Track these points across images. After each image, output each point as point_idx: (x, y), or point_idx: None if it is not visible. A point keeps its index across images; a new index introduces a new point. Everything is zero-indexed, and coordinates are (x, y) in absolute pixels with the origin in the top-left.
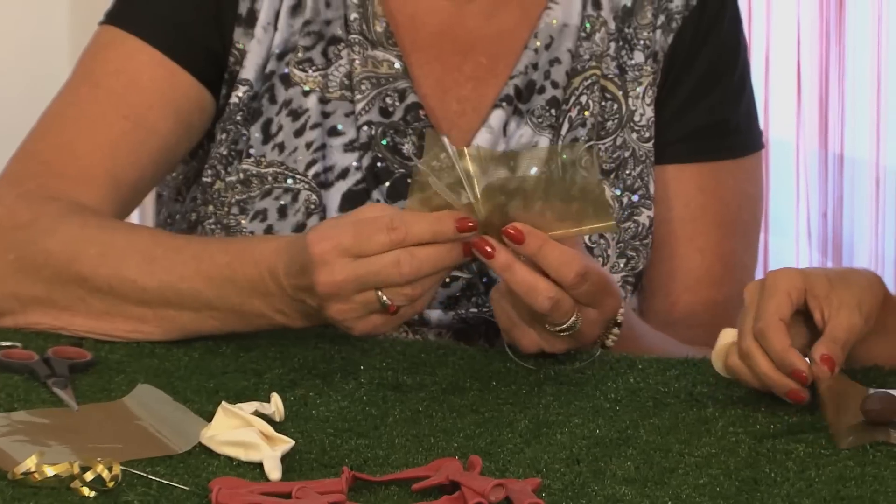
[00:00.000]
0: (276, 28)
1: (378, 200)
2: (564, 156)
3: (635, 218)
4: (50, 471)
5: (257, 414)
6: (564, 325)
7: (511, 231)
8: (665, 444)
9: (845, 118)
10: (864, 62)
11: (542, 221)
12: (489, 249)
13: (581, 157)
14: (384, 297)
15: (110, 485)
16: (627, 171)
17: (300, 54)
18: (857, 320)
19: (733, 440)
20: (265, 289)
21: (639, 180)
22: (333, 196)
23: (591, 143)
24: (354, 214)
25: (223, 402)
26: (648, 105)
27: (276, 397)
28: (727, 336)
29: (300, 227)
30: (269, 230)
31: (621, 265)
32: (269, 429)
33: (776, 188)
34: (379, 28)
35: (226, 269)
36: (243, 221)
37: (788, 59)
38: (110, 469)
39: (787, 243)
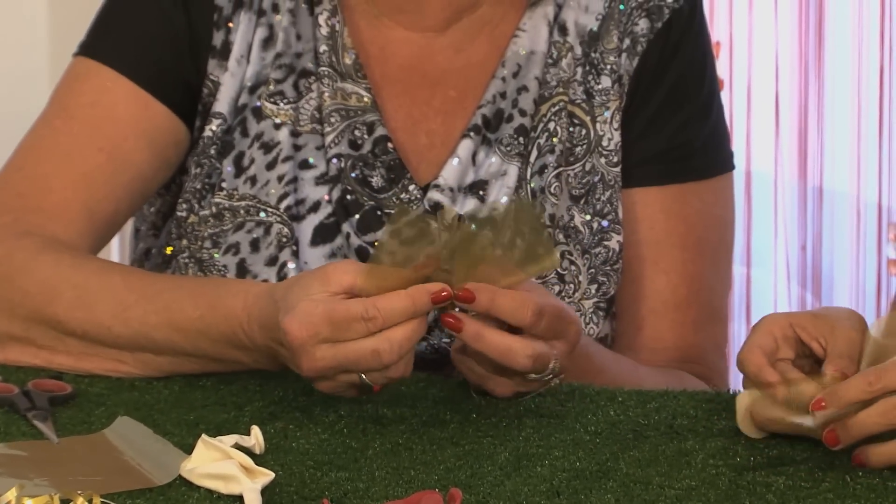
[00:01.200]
0: (248, 61)
1: (349, 234)
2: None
3: (605, 243)
4: None
5: (237, 447)
6: (547, 372)
7: (461, 294)
8: (645, 477)
9: (824, 150)
10: (844, 94)
11: (492, 274)
12: (455, 322)
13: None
14: (366, 380)
15: None
16: (597, 197)
17: (272, 87)
18: (854, 335)
19: (713, 473)
20: (239, 342)
21: (608, 205)
22: (305, 229)
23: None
24: (324, 282)
25: (203, 435)
26: (616, 129)
27: (256, 430)
28: (744, 399)
29: (273, 260)
30: (241, 263)
31: (592, 291)
32: (249, 461)
33: (756, 220)
34: (348, 60)
35: (198, 322)
36: (216, 255)
37: (767, 91)
38: (90, 502)
39: (767, 275)
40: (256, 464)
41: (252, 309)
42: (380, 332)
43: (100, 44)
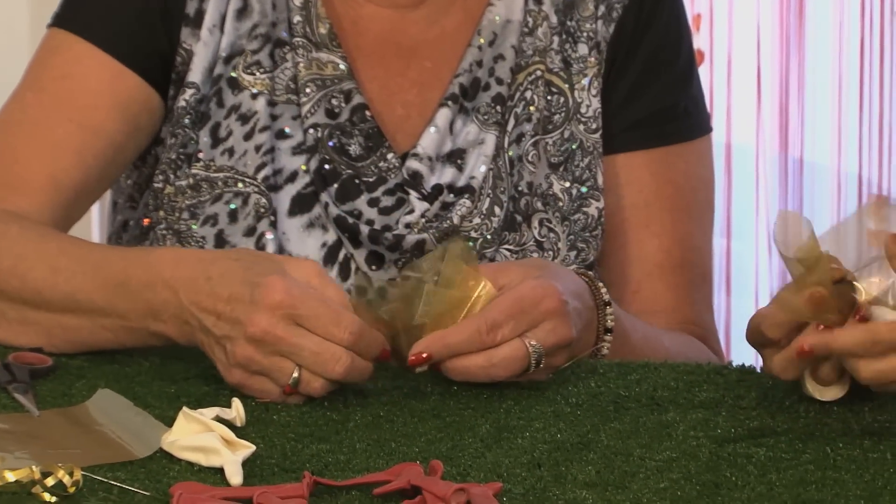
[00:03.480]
0: (222, 31)
1: (327, 203)
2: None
3: (584, 210)
4: (11, 476)
5: (218, 419)
6: (533, 365)
7: (415, 360)
8: (626, 449)
9: (805, 123)
10: (825, 67)
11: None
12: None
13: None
14: (296, 376)
15: (71, 490)
16: (575, 164)
17: (248, 58)
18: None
19: (694, 444)
20: (153, 290)
21: (587, 171)
22: (283, 199)
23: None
24: (307, 276)
25: (184, 408)
26: (594, 96)
27: (237, 402)
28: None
29: (251, 231)
30: (219, 234)
31: (572, 257)
32: (230, 434)
33: (736, 192)
34: (322, 30)
35: (120, 274)
36: (194, 226)
37: (748, 64)
38: (71, 474)
39: (748, 247)
40: (237, 436)
41: (186, 258)
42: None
43: (72, 14)
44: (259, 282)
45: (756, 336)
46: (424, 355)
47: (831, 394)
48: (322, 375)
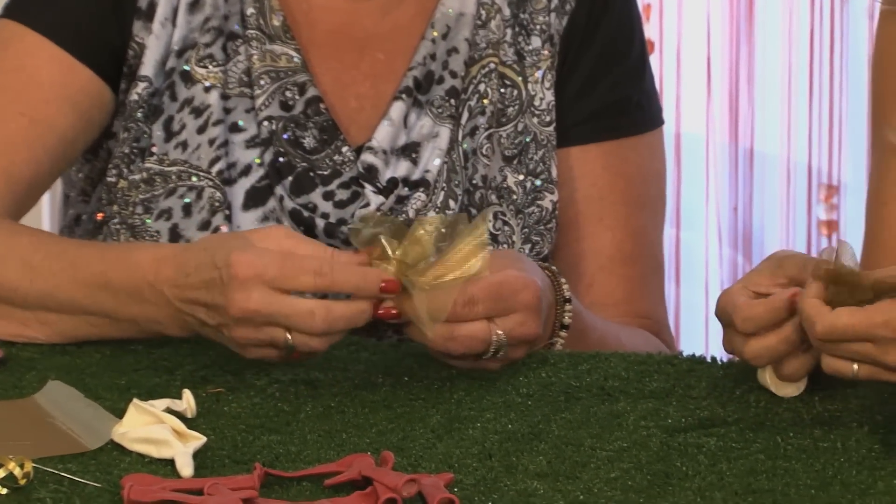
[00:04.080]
0: (174, 24)
1: (282, 196)
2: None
3: (538, 202)
4: None
5: (169, 411)
6: (491, 352)
7: (383, 313)
8: (577, 439)
9: (755, 113)
10: (774, 57)
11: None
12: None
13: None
14: (290, 341)
15: (22, 482)
16: (529, 156)
17: (201, 51)
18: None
19: (645, 434)
20: (140, 296)
21: (541, 164)
22: (237, 192)
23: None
24: (277, 241)
25: (135, 399)
26: (548, 89)
27: (187, 394)
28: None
29: (205, 225)
30: (174, 229)
31: (526, 250)
32: (180, 425)
33: (686, 182)
34: (276, 22)
35: (101, 277)
36: (148, 221)
37: (698, 54)
38: (22, 466)
39: (698, 238)
40: (188, 428)
41: (165, 257)
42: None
43: (24, 6)
44: (224, 262)
45: (724, 316)
46: (394, 312)
47: (789, 391)
48: (307, 332)
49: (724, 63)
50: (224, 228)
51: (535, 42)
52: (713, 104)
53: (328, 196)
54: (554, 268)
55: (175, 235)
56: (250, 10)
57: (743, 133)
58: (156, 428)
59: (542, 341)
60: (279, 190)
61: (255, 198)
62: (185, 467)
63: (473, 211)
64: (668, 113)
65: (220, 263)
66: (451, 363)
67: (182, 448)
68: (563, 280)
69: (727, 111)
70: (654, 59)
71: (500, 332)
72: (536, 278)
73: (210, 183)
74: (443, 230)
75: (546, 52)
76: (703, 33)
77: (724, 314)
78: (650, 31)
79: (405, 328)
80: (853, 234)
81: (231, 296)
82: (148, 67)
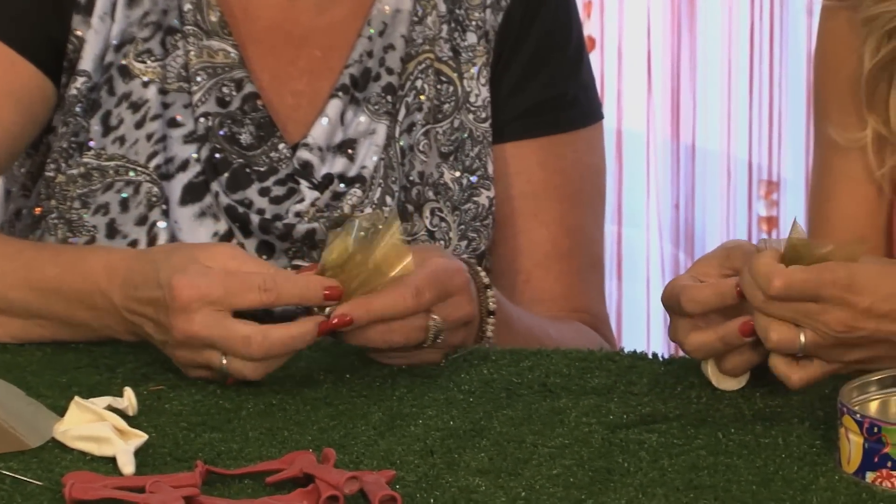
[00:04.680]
0: (113, 19)
1: (217, 192)
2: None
3: (475, 199)
4: None
5: (110, 408)
6: (430, 338)
7: (339, 322)
8: (518, 435)
9: (696, 110)
10: (715, 53)
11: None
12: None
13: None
14: (225, 367)
15: None
16: (466, 153)
17: (139, 46)
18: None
19: (586, 430)
20: (92, 303)
21: (477, 161)
22: (175, 188)
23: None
24: (223, 262)
25: (76, 397)
26: (484, 85)
27: (128, 391)
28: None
29: (142, 220)
30: (111, 224)
31: (463, 247)
32: (122, 423)
33: (628, 179)
34: (213, 18)
35: (54, 281)
36: (85, 215)
37: (639, 50)
38: None
39: (639, 234)
40: (129, 425)
41: (117, 267)
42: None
43: None
44: (167, 283)
45: (671, 301)
46: (348, 318)
47: (730, 385)
48: (244, 358)
49: (665, 60)
50: (161, 224)
51: (471, 38)
52: (654, 101)
53: (264, 192)
54: (470, 259)
55: (112, 230)
56: (188, 6)
57: (684, 130)
58: (97, 426)
59: (475, 328)
60: (215, 186)
61: (191, 193)
62: (127, 465)
63: (410, 207)
64: (609, 110)
65: (163, 283)
66: (394, 362)
67: (123, 446)
68: (479, 268)
69: (668, 108)
70: (595, 57)
71: (435, 317)
72: (459, 262)
73: (147, 178)
74: (362, 233)
75: (481, 49)
76: (643, 30)
77: (670, 300)
78: (591, 28)
79: (344, 335)
80: None
81: (173, 320)
82: (87, 62)
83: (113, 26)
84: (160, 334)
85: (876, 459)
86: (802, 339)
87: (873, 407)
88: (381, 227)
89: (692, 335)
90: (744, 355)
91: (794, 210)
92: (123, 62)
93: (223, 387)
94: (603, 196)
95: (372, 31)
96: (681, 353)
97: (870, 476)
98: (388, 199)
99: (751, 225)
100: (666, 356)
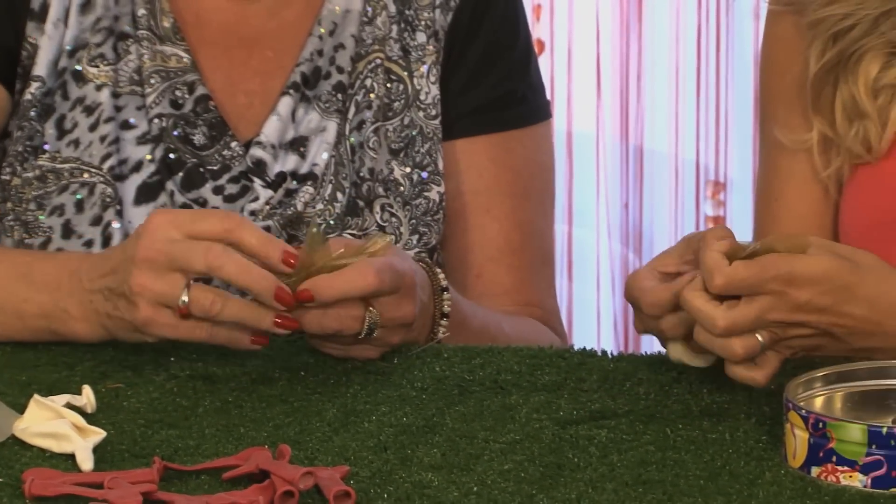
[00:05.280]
0: (66, 25)
1: (173, 191)
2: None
3: (425, 194)
4: None
5: (69, 406)
6: (365, 330)
7: (302, 294)
8: (470, 431)
9: (644, 111)
10: (663, 56)
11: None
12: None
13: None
14: (184, 296)
15: None
16: (416, 149)
17: (92, 51)
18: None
19: (537, 426)
20: (57, 285)
21: (427, 157)
22: (129, 188)
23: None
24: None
25: (35, 395)
26: (433, 84)
27: (87, 389)
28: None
29: (97, 220)
30: (66, 224)
31: (414, 241)
32: (80, 420)
33: (577, 180)
34: (167, 23)
35: (23, 267)
36: (41, 217)
37: (588, 53)
38: None
39: (589, 234)
40: (88, 423)
41: (92, 255)
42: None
43: None
44: (137, 230)
45: (631, 298)
46: (308, 293)
47: (700, 361)
48: (207, 272)
49: (614, 62)
50: (115, 224)
51: (421, 38)
52: (603, 103)
53: (218, 190)
54: (428, 259)
55: (68, 231)
56: (141, 11)
57: (633, 131)
58: (56, 423)
59: (422, 330)
60: (170, 185)
61: (146, 193)
62: (86, 461)
63: (361, 203)
64: (559, 111)
65: (132, 235)
66: (328, 350)
67: (82, 443)
68: (438, 270)
69: (617, 110)
70: (545, 59)
71: (372, 310)
72: (410, 263)
73: (101, 179)
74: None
75: (431, 48)
76: (592, 34)
77: (631, 297)
78: (541, 31)
79: (308, 340)
80: (739, 230)
81: (141, 240)
82: (41, 67)
83: (66, 32)
84: (120, 285)
85: (821, 454)
86: (760, 339)
87: (818, 403)
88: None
89: (666, 317)
90: None
91: (740, 210)
92: (77, 67)
93: (180, 385)
94: (552, 193)
95: (322, 30)
96: (630, 350)
97: (815, 471)
98: (339, 196)
99: (698, 225)
100: (615, 353)
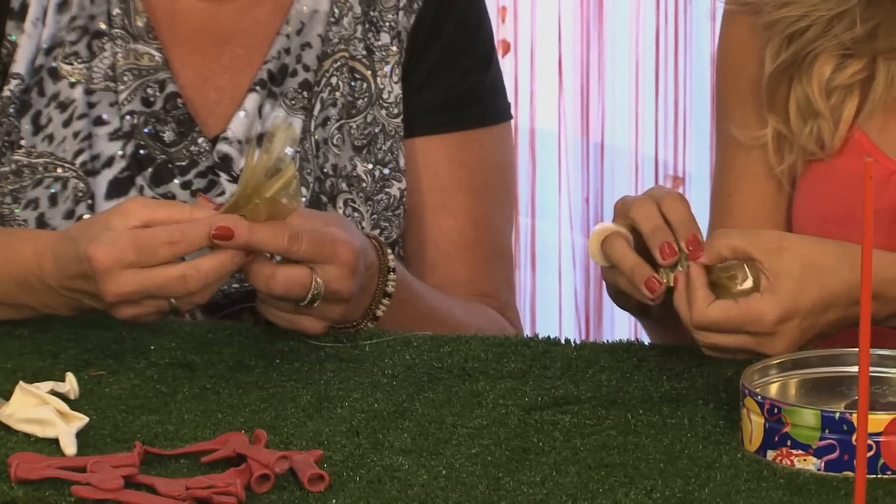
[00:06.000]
0: (44, 23)
1: (142, 186)
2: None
3: (387, 190)
4: None
5: (53, 392)
6: (309, 297)
7: (219, 232)
8: (439, 417)
9: (605, 109)
10: (623, 56)
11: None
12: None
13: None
14: (175, 304)
15: None
16: (378, 146)
17: (67, 49)
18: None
19: (503, 412)
20: (30, 287)
21: (389, 154)
22: (100, 183)
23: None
24: (135, 215)
25: (20, 382)
26: (396, 83)
27: (70, 377)
28: (599, 227)
29: (70, 214)
30: (40, 218)
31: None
32: (64, 406)
33: (540, 175)
34: (140, 23)
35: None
36: (16, 210)
37: (551, 54)
38: None
39: (552, 227)
40: (71, 409)
41: (44, 251)
42: (185, 260)
43: None
44: (85, 256)
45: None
46: (228, 231)
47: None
48: (185, 295)
49: (576, 62)
50: (87, 217)
51: (384, 38)
52: (565, 101)
53: (186, 185)
54: (381, 238)
55: (42, 223)
56: (116, 11)
57: (594, 128)
58: (41, 409)
59: (359, 307)
60: (140, 180)
61: (117, 188)
62: (69, 446)
63: (324, 198)
64: (522, 109)
65: (82, 256)
66: (274, 317)
67: (66, 428)
68: (388, 250)
69: (578, 107)
70: (509, 59)
71: (319, 280)
72: (356, 240)
73: (74, 174)
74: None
75: (394, 48)
76: (555, 34)
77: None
78: (506, 32)
79: (257, 304)
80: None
81: (102, 287)
82: (20, 65)
83: (44, 31)
84: (99, 303)
85: (776, 438)
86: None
87: (774, 389)
88: (276, 134)
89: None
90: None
91: (698, 203)
92: (53, 64)
93: (160, 372)
94: (510, 190)
95: (290, 29)
96: (592, 339)
97: (770, 454)
98: (303, 191)
99: None
100: (578, 342)
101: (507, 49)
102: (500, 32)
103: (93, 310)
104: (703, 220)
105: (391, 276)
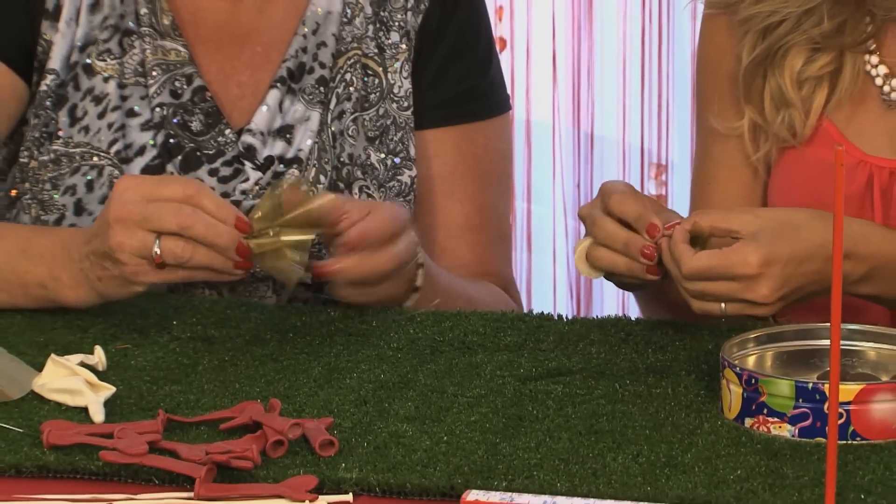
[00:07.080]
0: (77, 23)
1: (172, 173)
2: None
3: (398, 178)
4: None
5: (83, 364)
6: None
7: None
8: (441, 387)
9: (595, 102)
10: (611, 52)
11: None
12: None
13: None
14: (156, 248)
15: None
16: (390, 137)
17: (100, 46)
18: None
19: (500, 382)
20: (52, 255)
21: (400, 144)
22: (134, 170)
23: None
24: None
25: (52, 355)
26: (406, 78)
27: (98, 349)
28: (582, 243)
29: (105, 199)
30: (78, 203)
31: None
32: (93, 377)
33: (535, 162)
34: (166, 21)
35: (23, 241)
36: (56, 196)
37: (545, 50)
38: None
39: (546, 211)
40: (99, 379)
41: (83, 230)
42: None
43: None
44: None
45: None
46: (337, 267)
47: (593, 275)
48: (171, 232)
49: (568, 58)
50: None
51: (394, 37)
52: (558, 94)
53: (213, 173)
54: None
55: (79, 208)
56: (143, 10)
57: (584, 119)
58: (71, 379)
59: (399, 292)
60: (170, 167)
61: (149, 174)
62: (97, 414)
63: (341, 185)
64: (518, 102)
65: (106, 202)
66: (356, 297)
67: (94, 397)
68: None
69: (570, 100)
70: (506, 55)
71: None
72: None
73: (109, 162)
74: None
75: (403, 46)
76: (549, 32)
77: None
78: (503, 30)
79: (336, 290)
80: (680, 207)
81: (112, 205)
82: (55, 62)
83: (77, 30)
84: (101, 246)
85: (753, 407)
86: (723, 306)
87: (751, 361)
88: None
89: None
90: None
91: (680, 189)
92: (87, 61)
93: (181, 345)
94: (510, 177)
95: (306, 29)
96: (583, 315)
97: (748, 422)
98: (322, 178)
99: None
100: (570, 317)
101: (503, 46)
102: (497, 30)
103: (93, 294)
104: (683, 205)
105: (420, 271)
